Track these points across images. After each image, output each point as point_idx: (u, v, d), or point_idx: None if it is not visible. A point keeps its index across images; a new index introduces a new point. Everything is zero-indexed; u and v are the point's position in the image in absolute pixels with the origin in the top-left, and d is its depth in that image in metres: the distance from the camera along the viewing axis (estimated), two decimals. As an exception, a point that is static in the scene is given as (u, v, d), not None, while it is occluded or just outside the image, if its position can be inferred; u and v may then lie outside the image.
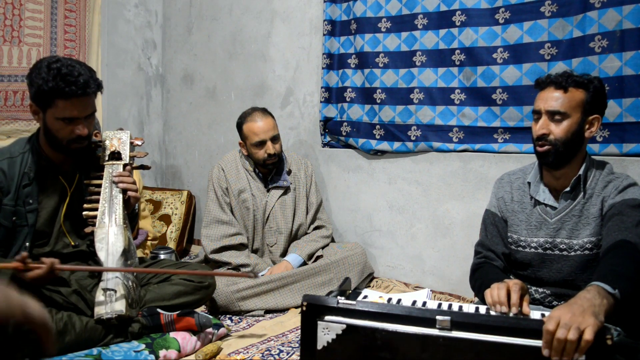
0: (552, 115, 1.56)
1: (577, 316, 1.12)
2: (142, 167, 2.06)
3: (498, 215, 1.75)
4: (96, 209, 1.83)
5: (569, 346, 1.09)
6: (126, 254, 1.79)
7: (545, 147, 1.57)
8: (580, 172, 1.60)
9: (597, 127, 1.60)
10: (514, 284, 1.35)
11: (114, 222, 1.81)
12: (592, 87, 1.56)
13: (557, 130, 1.56)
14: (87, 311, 1.77)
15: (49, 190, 1.86)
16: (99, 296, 1.71)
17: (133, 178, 1.92)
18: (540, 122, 1.58)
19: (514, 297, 1.30)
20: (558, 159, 1.58)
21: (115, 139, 1.95)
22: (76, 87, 1.68)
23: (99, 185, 1.87)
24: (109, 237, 1.77)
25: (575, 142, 1.57)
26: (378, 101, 2.71)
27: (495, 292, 1.34)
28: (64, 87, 1.67)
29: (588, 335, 1.08)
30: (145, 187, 3.60)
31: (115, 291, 1.71)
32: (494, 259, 1.70)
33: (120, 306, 1.69)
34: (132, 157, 1.96)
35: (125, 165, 1.92)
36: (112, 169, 1.89)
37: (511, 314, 1.29)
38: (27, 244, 1.79)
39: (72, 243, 1.89)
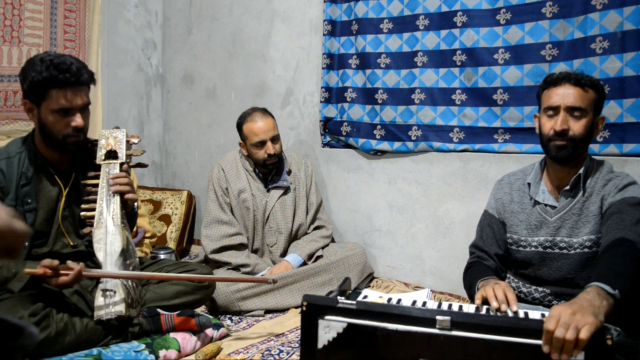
0: (572, 111, 1.57)
1: (576, 315, 1.13)
2: (140, 165, 2.04)
3: (495, 216, 1.77)
4: (94, 209, 1.82)
5: (567, 345, 1.10)
6: (125, 253, 1.78)
7: (565, 143, 1.58)
8: (581, 170, 1.61)
9: (601, 128, 1.64)
10: (506, 285, 1.43)
11: (111, 222, 1.80)
12: (599, 88, 1.60)
13: (576, 126, 1.57)
14: (88, 312, 1.76)
15: (46, 190, 1.85)
16: (99, 297, 1.70)
17: (129, 179, 1.91)
18: (561, 118, 1.57)
19: (510, 296, 1.37)
20: (572, 155, 1.59)
21: (112, 138, 1.94)
22: (70, 74, 1.71)
23: (96, 185, 1.86)
24: (107, 237, 1.77)
25: (588, 140, 1.60)
26: (379, 101, 2.71)
27: (499, 293, 1.38)
28: (57, 74, 1.69)
29: (583, 334, 1.10)
30: (145, 187, 3.60)
31: (115, 292, 1.71)
32: (486, 259, 1.73)
33: (119, 307, 1.69)
34: (129, 156, 1.96)
35: (122, 164, 1.91)
36: (108, 168, 1.88)
37: (510, 312, 1.33)
38: (26, 243, 1.78)
39: (71, 243, 1.89)
